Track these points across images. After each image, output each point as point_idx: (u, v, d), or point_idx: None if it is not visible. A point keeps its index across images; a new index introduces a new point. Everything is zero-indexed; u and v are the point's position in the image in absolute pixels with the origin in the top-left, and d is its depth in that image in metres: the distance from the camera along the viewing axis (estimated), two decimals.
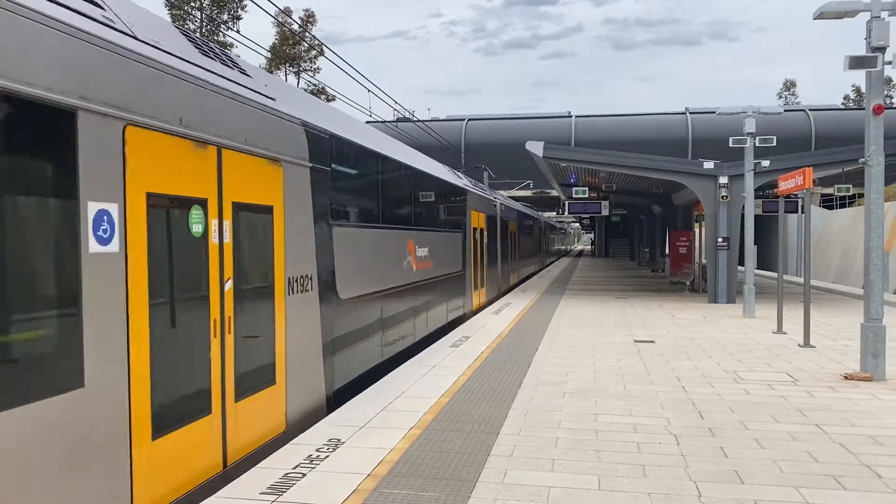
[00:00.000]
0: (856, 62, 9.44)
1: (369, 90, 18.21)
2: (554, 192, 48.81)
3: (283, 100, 7.64)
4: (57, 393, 4.14)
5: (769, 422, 7.38)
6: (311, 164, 7.91)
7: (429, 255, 13.73)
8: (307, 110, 8.28)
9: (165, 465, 5.16)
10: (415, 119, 36.75)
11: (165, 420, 5.17)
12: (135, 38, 5.07)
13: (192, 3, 59.18)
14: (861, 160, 10.03)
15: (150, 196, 5.05)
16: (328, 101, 62.77)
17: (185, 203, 5.49)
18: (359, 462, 5.97)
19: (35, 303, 4.03)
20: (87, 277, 4.42)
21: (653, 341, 13.08)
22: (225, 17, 60.47)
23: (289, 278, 7.37)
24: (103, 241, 4.58)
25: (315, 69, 69.34)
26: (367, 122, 38.86)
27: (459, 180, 18.33)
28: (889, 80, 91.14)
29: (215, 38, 58.93)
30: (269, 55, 64.38)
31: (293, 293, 7.47)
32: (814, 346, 12.43)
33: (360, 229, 9.63)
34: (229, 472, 6.03)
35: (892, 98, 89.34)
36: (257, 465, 5.86)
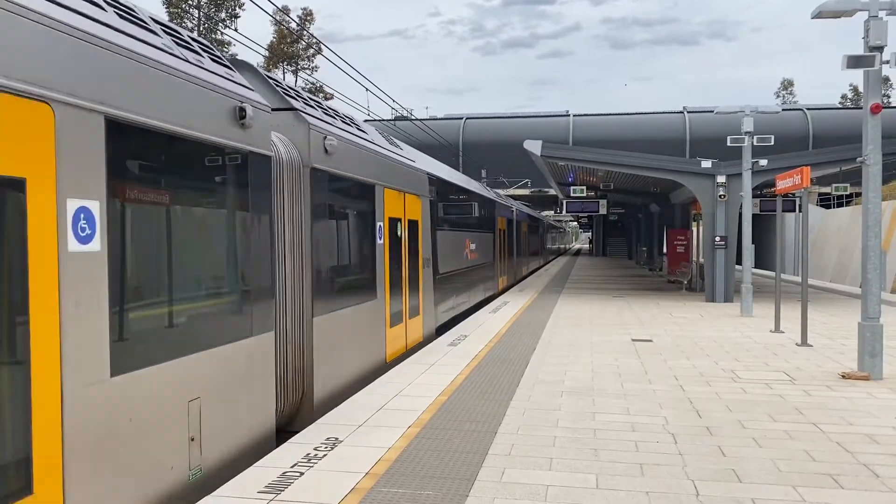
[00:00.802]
0: (854, 61, 9.45)
1: (367, 89, 18.20)
2: (552, 191, 48.80)
3: (417, 159, 13.44)
4: (373, 299, 10.01)
5: (767, 421, 7.39)
6: (430, 196, 13.82)
7: (475, 250, 19.44)
8: (424, 162, 14.29)
9: (392, 340, 11.08)
10: (413, 118, 36.73)
11: (391, 319, 10.99)
12: (374, 143, 10.52)
13: (190, 2, 59.03)
14: (859, 159, 10.04)
15: (389, 219, 10.88)
16: (326, 99, 62.63)
17: (396, 221, 11.32)
18: (357, 461, 5.98)
19: (367, 265, 9.82)
20: (377, 254, 10.30)
21: (650, 340, 13.10)
22: (223, 15, 60.34)
23: (423, 259, 13.23)
24: (379, 238, 10.42)
25: (313, 68, 69.29)
26: (366, 121, 38.80)
27: (489, 193, 24.38)
28: (887, 79, 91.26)
29: (213, 36, 58.77)
30: (266, 54, 64.26)
31: (425, 267, 13.38)
32: (811, 345, 12.44)
33: (445, 231, 15.57)
34: (408, 352, 11.93)
35: (889, 97, 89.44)
36: (255, 465, 5.86)
